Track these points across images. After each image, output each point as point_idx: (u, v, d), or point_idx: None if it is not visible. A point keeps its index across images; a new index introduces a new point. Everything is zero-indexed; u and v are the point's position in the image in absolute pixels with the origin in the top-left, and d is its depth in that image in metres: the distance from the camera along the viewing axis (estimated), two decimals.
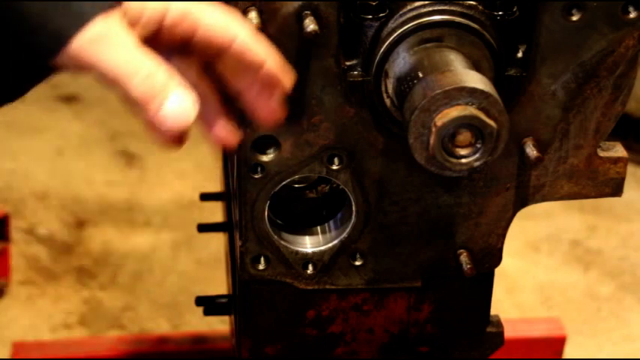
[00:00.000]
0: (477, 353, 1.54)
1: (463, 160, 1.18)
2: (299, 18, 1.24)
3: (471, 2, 1.27)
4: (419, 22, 1.26)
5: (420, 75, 1.21)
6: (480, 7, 1.27)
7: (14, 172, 3.74)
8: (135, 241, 3.43)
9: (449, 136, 1.17)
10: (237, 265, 1.44)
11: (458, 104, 1.15)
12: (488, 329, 1.53)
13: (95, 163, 3.83)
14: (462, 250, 1.43)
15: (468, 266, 1.41)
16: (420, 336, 1.51)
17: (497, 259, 1.45)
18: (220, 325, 2.95)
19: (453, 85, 1.15)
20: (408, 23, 1.26)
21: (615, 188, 1.42)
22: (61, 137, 3.99)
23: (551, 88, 1.32)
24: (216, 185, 3.25)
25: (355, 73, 1.30)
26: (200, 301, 1.77)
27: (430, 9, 1.26)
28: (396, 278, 1.45)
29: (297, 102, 1.29)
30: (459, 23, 1.26)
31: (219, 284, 2.98)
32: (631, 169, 3.66)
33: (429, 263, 1.44)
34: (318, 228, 1.45)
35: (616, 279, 3.33)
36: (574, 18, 1.28)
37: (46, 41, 1.01)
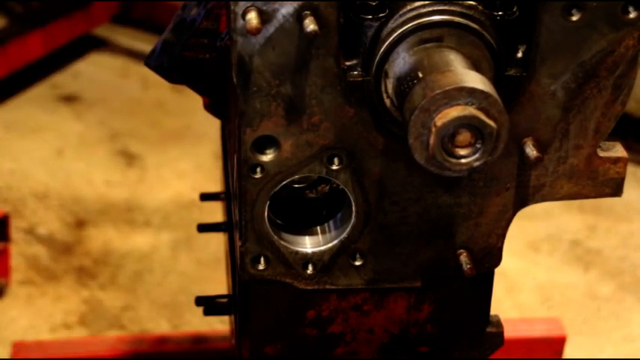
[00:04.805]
0: (477, 353, 1.54)
1: (463, 160, 1.18)
2: (299, 18, 1.24)
3: (471, 2, 1.27)
4: (419, 22, 1.26)
5: (420, 75, 1.21)
6: (480, 7, 1.27)
7: (14, 172, 3.74)
8: (135, 241, 3.43)
9: (449, 136, 1.17)
10: (237, 265, 1.44)
11: (458, 104, 1.15)
12: (488, 329, 1.53)
13: (95, 163, 3.83)
14: (461, 250, 1.43)
15: (468, 266, 1.41)
16: (420, 336, 1.51)
17: (497, 259, 1.45)
18: (220, 325, 2.95)
19: (452, 85, 1.15)
20: (407, 23, 1.26)
21: (615, 188, 1.42)
22: (61, 137, 3.99)
23: (551, 88, 1.32)
24: (216, 185, 3.26)
25: (355, 73, 1.30)
26: (200, 301, 1.77)
27: (430, 9, 1.26)
28: (396, 278, 1.45)
29: (297, 102, 1.29)
30: (458, 23, 1.26)
31: (219, 284, 2.98)
32: (631, 169, 3.67)
33: (429, 263, 1.44)
34: (318, 228, 1.45)
35: (616, 279, 3.33)
36: (574, 18, 1.28)
37: None
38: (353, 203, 1.38)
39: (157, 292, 3.20)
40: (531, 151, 1.33)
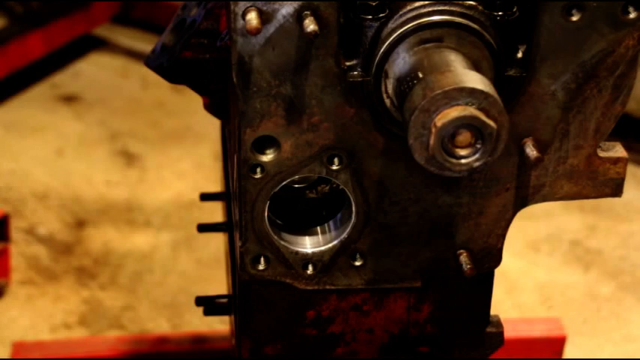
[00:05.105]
0: (476, 353, 1.54)
1: (463, 161, 1.18)
2: (299, 18, 1.24)
3: (471, 2, 1.27)
4: (419, 23, 1.26)
5: (420, 75, 1.21)
6: (480, 8, 1.27)
7: (14, 172, 3.74)
8: (135, 241, 3.43)
9: (449, 136, 1.17)
10: (237, 265, 1.44)
11: (457, 104, 1.15)
12: (488, 329, 1.53)
13: (95, 163, 3.83)
14: (461, 251, 1.43)
15: (468, 266, 1.41)
16: (420, 336, 1.51)
17: (497, 259, 1.45)
18: (220, 325, 2.95)
19: (452, 86, 1.15)
20: (407, 23, 1.26)
21: (615, 188, 1.42)
22: (61, 137, 3.99)
23: (551, 89, 1.32)
24: (216, 185, 3.26)
25: (355, 73, 1.30)
26: (200, 301, 1.77)
27: (430, 9, 1.26)
28: (395, 278, 1.45)
29: (297, 102, 1.29)
30: (458, 23, 1.26)
31: (219, 284, 2.98)
32: (631, 169, 3.66)
33: (429, 263, 1.44)
34: (318, 228, 1.45)
35: (616, 279, 3.32)
36: (574, 18, 1.28)
37: None
38: (353, 203, 1.38)
39: (157, 292, 3.20)
40: (531, 151, 1.33)
